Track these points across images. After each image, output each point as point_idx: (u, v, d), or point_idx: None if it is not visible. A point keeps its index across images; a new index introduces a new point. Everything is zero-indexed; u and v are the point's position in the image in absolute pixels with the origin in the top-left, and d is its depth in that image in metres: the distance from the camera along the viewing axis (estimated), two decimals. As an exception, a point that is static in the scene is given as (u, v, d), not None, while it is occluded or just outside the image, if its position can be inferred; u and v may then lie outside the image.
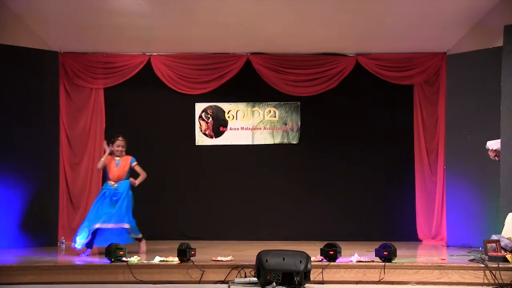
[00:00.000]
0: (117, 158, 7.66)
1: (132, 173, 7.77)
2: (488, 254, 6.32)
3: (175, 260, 6.30)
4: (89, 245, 7.25)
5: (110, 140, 7.69)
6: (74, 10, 8.16)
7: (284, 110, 9.84)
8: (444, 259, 6.68)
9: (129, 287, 6.02)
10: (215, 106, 9.85)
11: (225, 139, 9.77)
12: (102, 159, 7.60)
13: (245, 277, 6.03)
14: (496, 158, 7.42)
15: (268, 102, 9.86)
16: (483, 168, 7.96)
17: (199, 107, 9.84)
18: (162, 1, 8.05)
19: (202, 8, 8.12)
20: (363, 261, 6.27)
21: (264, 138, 9.83)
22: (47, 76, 8.76)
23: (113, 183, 7.60)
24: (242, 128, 9.84)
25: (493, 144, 7.41)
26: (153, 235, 9.37)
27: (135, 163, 7.75)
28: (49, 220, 8.59)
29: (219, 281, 6.06)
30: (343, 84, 9.67)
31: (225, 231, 9.43)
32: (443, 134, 9.02)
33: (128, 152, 9.69)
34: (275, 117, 9.85)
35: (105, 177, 9.49)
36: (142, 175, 7.75)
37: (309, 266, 5.73)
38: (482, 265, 6.09)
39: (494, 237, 6.62)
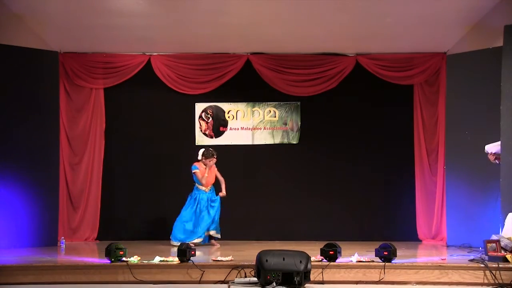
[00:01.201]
0: (206, 167, 8.70)
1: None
2: (488, 254, 6.33)
3: (175, 260, 6.31)
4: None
5: (204, 154, 8.67)
6: (74, 10, 8.15)
7: (284, 110, 9.84)
8: (444, 259, 6.68)
9: (129, 287, 6.03)
10: (215, 106, 9.85)
11: (225, 139, 9.77)
12: (206, 175, 8.65)
13: (245, 277, 6.04)
14: (496, 161, 7.43)
15: (268, 102, 9.86)
16: (483, 168, 7.95)
17: (199, 107, 9.84)
18: (162, 1, 8.05)
19: (202, 8, 8.11)
20: (363, 261, 6.28)
21: (264, 138, 9.83)
22: (47, 76, 8.76)
23: (205, 188, 8.65)
24: (242, 128, 9.84)
25: (492, 148, 7.43)
26: (153, 235, 9.40)
27: (217, 169, 8.81)
28: (49, 220, 8.59)
29: (219, 281, 6.07)
30: (343, 84, 9.66)
31: (225, 231, 9.40)
32: (443, 134, 9.02)
33: (128, 152, 9.76)
34: (275, 117, 9.84)
35: (105, 178, 9.58)
36: (223, 181, 8.82)
37: (309, 266, 5.73)
38: (482, 265, 6.10)
39: (494, 237, 6.63)
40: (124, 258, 6.28)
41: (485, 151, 7.45)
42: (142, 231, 9.52)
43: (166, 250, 7.21)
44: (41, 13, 8.23)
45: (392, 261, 6.21)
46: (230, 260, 6.39)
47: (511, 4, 7.74)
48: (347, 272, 6.16)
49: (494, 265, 6.07)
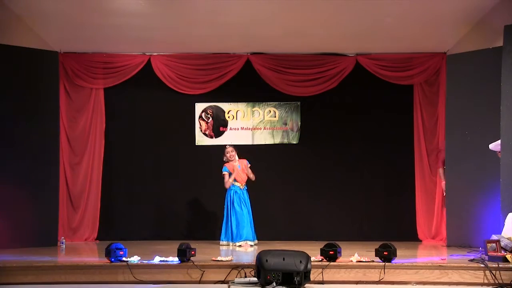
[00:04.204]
0: (235, 164, 8.72)
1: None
2: (488, 254, 6.32)
3: (175, 260, 6.30)
4: None
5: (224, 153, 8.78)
6: (74, 10, 8.16)
7: (284, 110, 9.84)
8: (444, 259, 6.68)
9: (129, 287, 6.02)
10: (215, 106, 9.85)
11: (225, 139, 9.77)
12: (230, 180, 8.70)
13: (245, 277, 6.03)
14: None
15: (268, 102, 9.86)
16: (483, 168, 7.96)
17: (199, 107, 9.84)
18: (162, 1, 8.05)
19: (202, 8, 8.12)
20: (363, 261, 6.28)
21: (264, 138, 9.83)
22: (47, 76, 8.75)
23: (239, 184, 8.71)
24: (242, 128, 9.84)
25: (497, 146, 7.41)
26: (153, 235, 9.41)
27: (249, 165, 8.81)
28: (49, 220, 8.58)
29: (219, 281, 6.07)
30: (343, 84, 9.67)
31: (225, 231, 9.43)
32: (443, 134, 9.01)
33: (128, 152, 9.76)
34: (275, 117, 9.85)
35: (105, 178, 9.58)
36: (252, 177, 8.80)
37: (309, 266, 5.73)
38: (482, 265, 6.09)
39: (494, 237, 6.62)
40: (124, 258, 6.28)
41: (493, 149, 7.45)
42: (142, 231, 9.52)
43: (166, 250, 7.20)
44: (41, 13, 8.23)
45: (392, 261, 6.21)
46: (230, 260, 6.39)
47: (511, 4, 7.73)
48: (347, 272, 6.16)
49: (494, 265, 6.07)
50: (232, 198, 8.69)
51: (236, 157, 8.80)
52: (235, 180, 8.71)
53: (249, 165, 8.79)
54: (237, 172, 8.73)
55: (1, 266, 6.17)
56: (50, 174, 8.68)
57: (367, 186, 9.66)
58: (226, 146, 8.85)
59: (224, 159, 8.78)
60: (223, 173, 8.71)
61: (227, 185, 8.69)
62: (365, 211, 9.62)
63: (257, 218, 9.44)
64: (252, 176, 8.77)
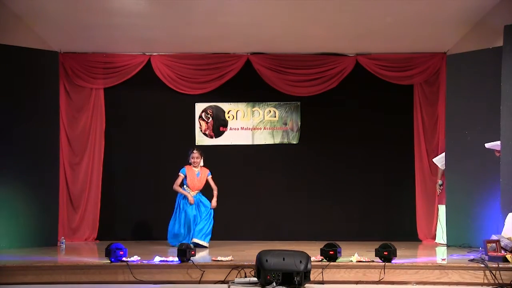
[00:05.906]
0: (196, 169, 8.53)
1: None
2: (488, 254, 6.33)
3: (175, 260, 6.31)
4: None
5: (187, 153, 8.59)
6: (74, 10, 8.16)
7: (284, 110, 9.84)
8: (444, 259, 6.68)
9: (129, 287, 6.03)
10: (215, 106, 9.85)
11: (225, 139, 9.77)
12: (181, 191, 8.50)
13: (245, 277, 6.04)
14: None
15: (268, 102, 9.86)
16: (483, 168, 7.96)
17: (199, 107, 9.84)
18: (162, 1, 8.05)
19: (202, 8, 8.12)
20: (363, 261, 6.28)
21: (264, 138, 9.83)
22: (47, 76, 8.75)
23: (191, 191, 8.48)
24: (242, 128, 9.84)
25: (496, 146, 7.42)
26: (153, 235, 9.41)
27: (210, 176, 8.58)
28: (49, 220, 8.58)
29: (219, 281, 6.07)
30: (343, 84, 9.67)
31: (225, 231, 9.42)
32: (443, 134, 9.02)
33: (128, 152, 9.76)
34: (275, 117, 9.85)
35: (105, 178, 9.58)
36: (215, 189, 8.56)
37: (309, 266, 5.74)
38: (482, 265, 6.10)
39: (494, 237, 6.63)
40: (124, 258, 6.28)
41: (491, 148, 7.45)
42: (142, 231, 9.53)
43: (166, 250, 7.22)
44: (41, 13, 8.23)
45: (392, 261, 6.21)
46: (230, 260, 6.39)
47: (511, 4, 7.74)
48: (347, 272, 6.16)
49: (494, 265, 6.08)
50: (180, 203, 8.52)
51: (201, 164, 8.61)
52: (187, 186, 8.51)
53: (210, 175, 8.58)
54: (193, 179, 8.52)
55: (1, 266, 6.18)
56: (50, 174, 8.68)
57: (367, 186, 9.66)
58: (193, 151, 8.58)
59: (188, 162, 8.60)
60: (179, 173, 8.54)
61: (174, 186, 8.51)
62: (365, 211, 9.62)
63: (257, 218, 9.49)
64: (214, 188, 8.55)
